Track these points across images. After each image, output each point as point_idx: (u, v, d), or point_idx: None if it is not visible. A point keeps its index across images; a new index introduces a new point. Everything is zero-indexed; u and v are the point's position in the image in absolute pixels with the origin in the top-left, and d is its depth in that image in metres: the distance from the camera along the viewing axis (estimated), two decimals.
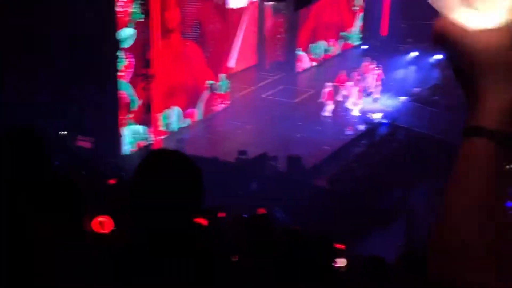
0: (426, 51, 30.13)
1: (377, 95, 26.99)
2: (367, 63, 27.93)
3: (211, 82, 24.38)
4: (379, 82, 27.24)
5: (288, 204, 17.00)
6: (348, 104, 25.68)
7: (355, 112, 25.38)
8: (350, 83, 25.96)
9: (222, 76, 24.90)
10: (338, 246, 9.44)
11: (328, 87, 25.23)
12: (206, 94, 24.26)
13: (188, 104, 23.52)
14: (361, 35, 33.42)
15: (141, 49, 20.91)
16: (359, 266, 6.08)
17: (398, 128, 23.79)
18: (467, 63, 1.30)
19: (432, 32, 1.37)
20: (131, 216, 2.45)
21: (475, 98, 1.29)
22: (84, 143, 19.75)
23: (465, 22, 1.28)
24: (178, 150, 2.65)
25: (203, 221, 8.44)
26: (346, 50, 32.51)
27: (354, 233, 15.35)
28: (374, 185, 19.39)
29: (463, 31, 1.29)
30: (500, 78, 1.27)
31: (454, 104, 22.13)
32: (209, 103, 24.46)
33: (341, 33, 32.39)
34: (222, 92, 24.92)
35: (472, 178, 1.26)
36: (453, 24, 1.31)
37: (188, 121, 23.50)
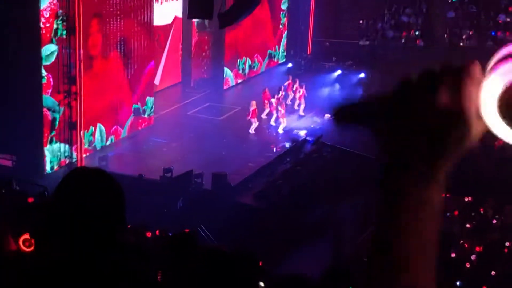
0: (350, 70, 30.61)
1: (301, 113, 27.23)
2: (291, 81, 28.15)
3: (136, 106, 24.24)
4: (303, 100, 27.48)
5: (213, 222, 16.95)
6: (272, 122, 25.86)
7: (280, 130, 25.57)
8: (273, 100, 26.13)
9: (149, 99, 24.80)
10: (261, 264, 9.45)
11: (253, 105, 25.32)
12: (131, 118, 24.09)
13: (112, 122, 23.27)
14: (285, 53, 33.72)
15: (64, 66, 20.61)
16: (282, 284, 6.08)
17: (323, 145, 24.03)
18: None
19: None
20: (51, 235, 2.39)
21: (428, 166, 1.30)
22: (4, 161, 19.33)
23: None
24: (99, 168, 2.61)
25: (129, 239, 8.34)
26: (271, 67, 32.73)
27: (279, 251, 15.40)
28: (299, 201, 19.51)
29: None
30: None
31: None
32: (134, 123, 24.29)
33: (268, 51, 32.61)
34: (146, 116, 24.81)
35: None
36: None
37: (112, 138, 23.25)
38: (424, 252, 1.29)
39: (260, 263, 9.29)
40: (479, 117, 1.26)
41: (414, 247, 1.27)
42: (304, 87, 27.73)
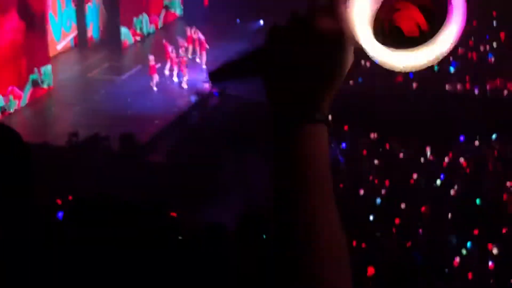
0: (249, 20, 30.56)
1: (204, 66, 27.10)
2: (190, 34, 27.89)
3: (34, 76, 23.62)
4: (204, 52, 27.35)
5: (125, 184, 16.83)
6: (175, 78, 25.69)
7: (183, 84, 25.43)
8: (173, 55, 25.89)
9: (45, 68, 24.17)
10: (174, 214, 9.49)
11: (152, 60, 25.06)
12: (30, 88, 23.50)
13: (10, 91, 22.65)
14: (182, 7, 33.34)
15: None
16: (199, 233, 6.13)
17: (228, 96, 24.03)
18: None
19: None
20: None
21: (310, 103, 1.29)
22: None
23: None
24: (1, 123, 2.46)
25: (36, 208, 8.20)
26: (170, 21, 32.34)
27: (194, 204, 15.45)
28: (208, 155, 19.53)
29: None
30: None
31: None
32: (34, 91, 23.72)
33: (164, 2, 32.16)
34: (46, 87, 24.23)
35: (321, 165, 1.30)
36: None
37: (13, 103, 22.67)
38: (321, 189, 1.29)
39: (174, 214, 9.31)
40: (352, 37, 1.23)
41: (310, 186, 1.28)
42: (203, 38, 27.56)
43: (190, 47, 27.51)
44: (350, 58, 1.26)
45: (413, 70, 1.25)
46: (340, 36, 1.24)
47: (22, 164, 2.32)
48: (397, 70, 1.24)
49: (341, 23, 1.22)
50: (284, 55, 1.25)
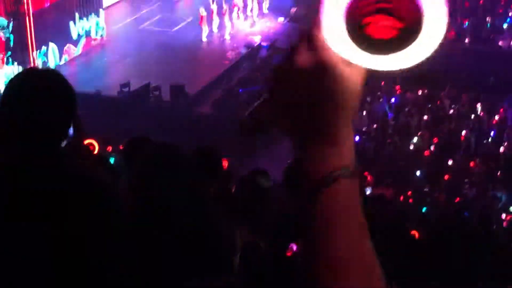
0: None
1: (255, 18, 27.04)
2: None
3: (86, 28, 23.88)
4: (256, 5, 27.26)
5: (173, 133, 17.01)
6: (227, 30, 25.69)
7: (226, 36, 25.42)
8: (225, 8, 25.83)
9: (99, 16, 24.39)
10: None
11: (202, 12, 25.08)
12: (83, 38, 23.77)
13: (64, 40, 22.94)
14: None
15: None
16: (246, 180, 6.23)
17: (278, 49, 23.98)
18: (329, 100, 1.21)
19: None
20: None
21: (327, 140, 1.23)
22: None
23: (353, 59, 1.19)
24: (50, 69, 2.53)
25: (93, 143, 8.44)
26: None
27: (241, 154, 15.57)
28: (259, 106, 19.57)
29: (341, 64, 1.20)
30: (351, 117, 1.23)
31: None
32: (87, 41, 23.99)
33: None
34: (98, 37, 24.48)
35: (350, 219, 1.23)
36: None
37: (66, 57, 22.97)
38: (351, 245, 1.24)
39: (226, 162, 9.41)
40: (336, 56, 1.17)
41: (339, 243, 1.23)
42: None
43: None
44: (349, 79, 1.21)
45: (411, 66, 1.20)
46: (321, 61, 1.19)
47: (68, 106, 2.37)
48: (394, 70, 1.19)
49: (321, 48, 1.18)
50: (284, 102, 1.23)
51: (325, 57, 1.18)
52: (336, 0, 1.16)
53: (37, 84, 2.35)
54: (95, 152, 8.21)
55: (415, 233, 8.37)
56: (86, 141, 8.29)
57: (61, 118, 2.35)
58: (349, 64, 1.18)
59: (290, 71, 1.20)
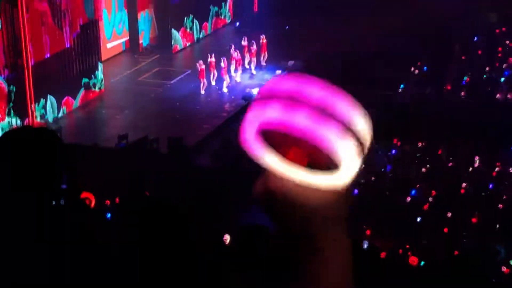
0: (297, 24, 30.57)
1: (253, 71, 27.24)
2: (242, 40, 27.98)
3: (85, 79, 24.00)
4: (254, 58, 27.46)
5: (172, 185, 16.97)
6: (225, 83, 25.84)
7: (224, 88, 25.57)
8: (223, 61, 25.97)
9: (98, 72, 24.54)
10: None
11: (201, 65, 25.25)
12: (82, 91, 23.90)
13: (63, 92, 23.03)
14: (230, 13, 33.52)
15: (8, 38, 20.34)
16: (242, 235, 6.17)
17: None
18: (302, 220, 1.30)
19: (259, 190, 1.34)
20: None
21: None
22: None
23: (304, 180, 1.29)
24: (44, 127, 2.58)
25: (90, 197, 8.40)
26: (219, 27, 32.56)
27: (238, 207, 15.51)
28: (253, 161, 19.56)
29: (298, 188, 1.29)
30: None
31: None
32: (85, 94, 24.11)
33: (214, 8, 32.37)
34: (97, 90, 24.61)
35: None
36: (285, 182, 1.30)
37: (64, 109, 23.04)
38: None
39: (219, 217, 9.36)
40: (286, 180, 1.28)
41: None
42: (253, 45, 27.58)
43: (246, 56, 27.45)
44: (312, 198, 1.29)
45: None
46: (272, 189, 1.29)
47: (58, 164, 2.41)
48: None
49: (269, 179, 1.29)
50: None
51: (273, 184, 1.28)
52: (252, 131, 1.27)
53: (23, 142, 2.40)
54: (92, 206, 8.17)
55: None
56: (83, 195, 8.28)
57: (48, 174, 2.41)
58: (299, 185, 1.26)
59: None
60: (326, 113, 1.26)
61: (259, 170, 1.32)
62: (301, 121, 1.25)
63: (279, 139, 1.27)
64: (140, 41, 29.21)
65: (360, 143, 1.28)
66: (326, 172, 1.26)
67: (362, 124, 1.29)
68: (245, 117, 1.29)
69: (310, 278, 1.31)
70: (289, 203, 1.28)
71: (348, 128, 1.27)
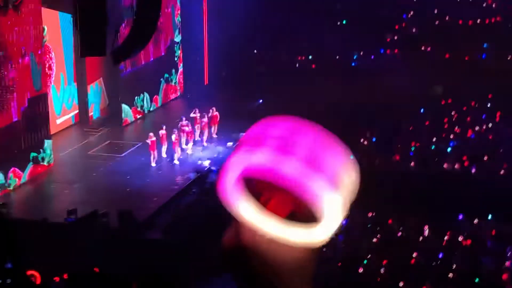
0: (248, 97, 30.90)
1: (204, 143, 27.30)
2: (192, 112, 28.06)
3: (34, 154, 23.74)
4: (205, 130, 27.56)
5: (123, 260, 16.74)
6: (176, 155, 25.80)
7: (176, 161, 25.53)
8: (174, 133, 25.97)
9: (47, 144, 24.32)
10: None
11: (151, 137, 25.22)
12: (30, 165, 23.60)
13: (10, 164, 22.74)
14: (180, 86, 33.75)
15: None
16: None
17: None
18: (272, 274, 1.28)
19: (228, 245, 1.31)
20: None
21: None
22: None
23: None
24: None
25: (35, 274, 8.24)
26: (170, 100, 32.70)
27: (191, 281, 15.35)
28: (207, 231, 19.47)
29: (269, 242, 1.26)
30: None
31: None
32: (34, 168, 23.81)
33: (163, 81, 32.54)
34: (46, 164, 24.33)
35: None
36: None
37: (13, 181, 22.73)
38: None
39: None
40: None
41: None
42: (205, 117, 27.73)
43: (197, 128, 27.51)
44: (280, 251, 1.27)
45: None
46: (243, 242, 1.27)
47: (3, 244, 2.39)
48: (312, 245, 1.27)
49: (240, 228, 1.27)
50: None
51: (245, 237, 1.25)
52: (233, 176, 1.23)
53: None
54: (37, 282, 8.01)
55: None
56: (28, 273, 8.10)
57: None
58: (270, 239, 1.22)
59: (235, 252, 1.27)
60: (315, 163, 1.20)
61: (221, 234, 1.28)
62: (289, 170, 1.20)
63: (263, 186, 1.21)
64: (90, 113, 29.16)
65: (346, 199, 1.23)
66: (306, 226, 1.21)
67: (351, 177, 1.24)
68: (228, 161, 1.23)
69: None
70: (259, 257, 1.24)
71: (336, 182, 1.22)
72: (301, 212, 1.22)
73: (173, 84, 33.15)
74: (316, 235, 1.22)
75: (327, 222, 1.22)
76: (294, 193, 1.20)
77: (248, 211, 1.22)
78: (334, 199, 1.20)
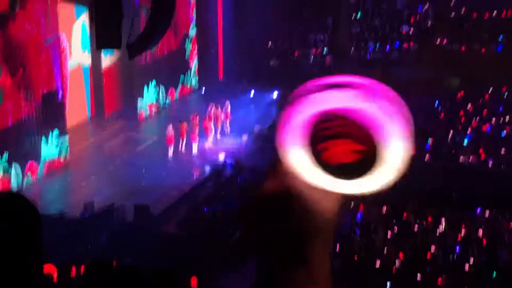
0: (263, 90, 30.87)
1: (218, 136, 27.32)
2: (208, 106, 28.08)
3: (50, 147, 23.82)
4: (220, 124, 27.57)
5: (139, 254, 16.79)
6: (193, 149, 25.87)
7: (192, 155, 25.59)
8: (191, 127, 26.03)
9: (63, 139, 24.37)
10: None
11: (169, 131, 25.30)
12: (47, 160, 23.69)
13: (27, 157, 22.81)
14: (197, 78, 33.74)
15: None
16: None
17: (242, 167, 24.11)
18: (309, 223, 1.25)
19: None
20: None
21: (301, 266, 1.27)
22: None
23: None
24: (13, 192, 2.43)
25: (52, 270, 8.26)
26: (185, 94, 32.71)
27: (207, 276, 15.38)
28: (222, 226, 19.50)
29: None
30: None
31: None
32: (51, 162, 23.89)
33: (181, 77, 32.57)
34: (62, 159, 24.39)
35: None
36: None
37: (28, 178, 22.81)
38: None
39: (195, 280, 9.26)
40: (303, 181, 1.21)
41: None
42: (218, 110, 27.76)
43: (207, 119, 27.59)
44: (320, 203, 1.24)
45: (372, 191, 1.24)
46: (287, 187, 1.22)
47: (33, 230, 2.28)
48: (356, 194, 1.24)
49: (286, 174, 1.22)
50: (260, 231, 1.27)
51: (290, 183, 1.19)
52: (295, 127, 1.16)
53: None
54: (54, 280, 8.02)
55: None
56: (46, 268, 8.12)
57: (22, 246, 2.25)
58: (315, 188, 1.18)
59: (262, 200, 1.21)
60: (391, 112, 1.19)
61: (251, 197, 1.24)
62: (370, 109, 1.18)
63: (328, 132, 1.18)
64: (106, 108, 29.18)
65: (410, 132, 1.20)
66: (361, 173, 1.18)
67: (407, 115, 1.21)
68: (289, 111, 1.18)
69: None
70: (301, 202, 1.20)
71: (407, 134, 1.19)
72: (367, 156, 1.19)
73: (188, 86, 33.10)
74: (370, 183, 1.21)
75: (388, 170, 1.19)
76: (366, 132, 1.18)
77: (299, 162, 1.19)
78: (403, 148, 1.18)
